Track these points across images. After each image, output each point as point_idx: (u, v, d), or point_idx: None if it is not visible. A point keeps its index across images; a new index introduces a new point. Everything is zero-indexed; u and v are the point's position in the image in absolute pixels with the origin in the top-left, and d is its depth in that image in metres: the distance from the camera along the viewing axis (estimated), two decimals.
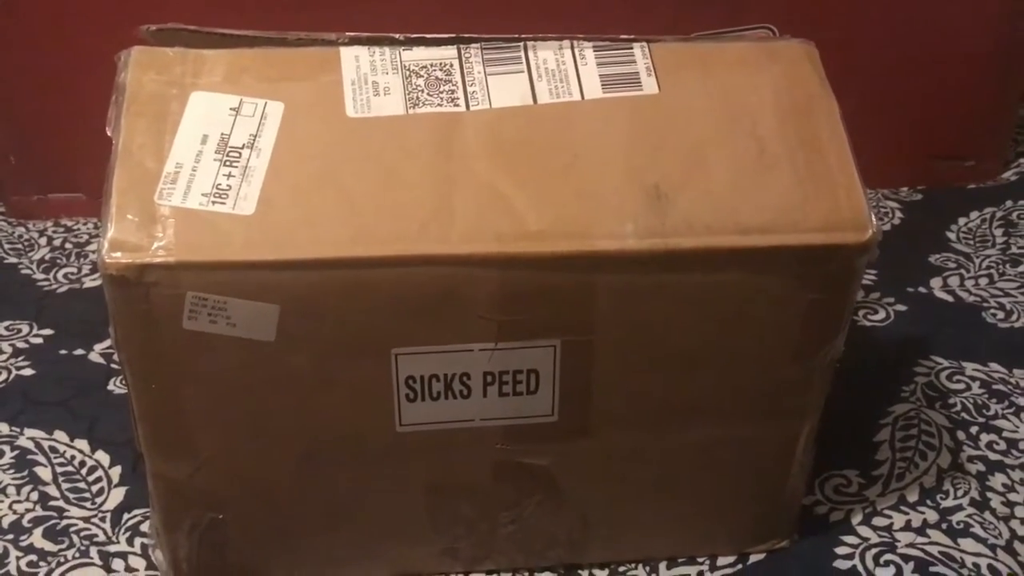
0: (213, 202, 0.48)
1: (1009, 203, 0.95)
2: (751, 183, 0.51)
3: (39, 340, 0.78)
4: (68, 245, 0.89)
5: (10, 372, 0.75)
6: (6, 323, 0.80)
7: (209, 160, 0.50)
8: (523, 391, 0.53)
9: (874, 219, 0.51)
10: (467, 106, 0.52)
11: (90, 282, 0.85)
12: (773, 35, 0.90)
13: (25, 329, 0.79)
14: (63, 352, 0.77)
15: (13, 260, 0.87)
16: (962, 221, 0.93)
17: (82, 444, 0.69)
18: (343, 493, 0.56)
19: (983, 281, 0.85)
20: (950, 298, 0.83)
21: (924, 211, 0.94)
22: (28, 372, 0.75)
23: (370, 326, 0.50)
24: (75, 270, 0.86)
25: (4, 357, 0.76)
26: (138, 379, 0.51)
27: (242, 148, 0.50)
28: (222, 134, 0.50)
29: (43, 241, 0.89)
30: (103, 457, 0.68)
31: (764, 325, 0.53)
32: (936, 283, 0.85)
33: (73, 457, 0.68)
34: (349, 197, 0.49)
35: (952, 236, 0.91)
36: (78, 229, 0.91)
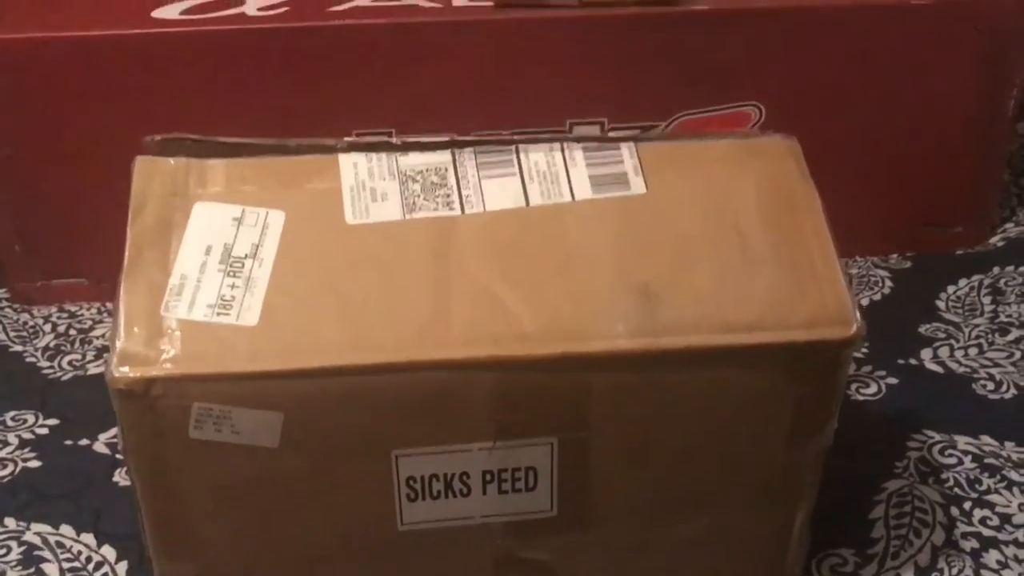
0: (218, 313, 0.50)
1: (996, 269, 0.96)
2: (736, 280, 0.53)
3: (44, 431, 0.79)
4: (72, 331, 0.90)
5: (16, 464, 0.76)
6: (12, 413, 0.81)
7: (213, 271, 0.51)
8: (522, 488, 0.54)
9: (858, 315, 0.53)
10: (462, 209, 0.54)
11: (94, 368, 0.86)
12: (759, 113, 0.93)
13: (31, 419, 0.80)
14: (68, 443, 0.78)
15: (19, 348, 0.88)
16: (951, 289, 0.94)
17: (88, 539, 0.70)
18: None
19: (972, 351, 0.86)
20: (940, 369, 0.84)
21: (913, 279, 0.96)
22: (34, 464, 0.76)
23: (370, 429, 0.51)
24: (79, 356, 0.87)
25: (11, 449, 0.77)
26: (146, 486, 0.52)
27: (245, 258, 0.52)
28: (225, 244, 0.52)
29: (47, 327, 0.91)
30: (109, 552, 0.69)
31: (755, 418, 0.54)
32: (927, 354, 0.86)
33: (79, 552, 0.69)
34: (348, 305, 0.51)
35: (941, 305, 0.92)
36: (82, 315, 0.92)
